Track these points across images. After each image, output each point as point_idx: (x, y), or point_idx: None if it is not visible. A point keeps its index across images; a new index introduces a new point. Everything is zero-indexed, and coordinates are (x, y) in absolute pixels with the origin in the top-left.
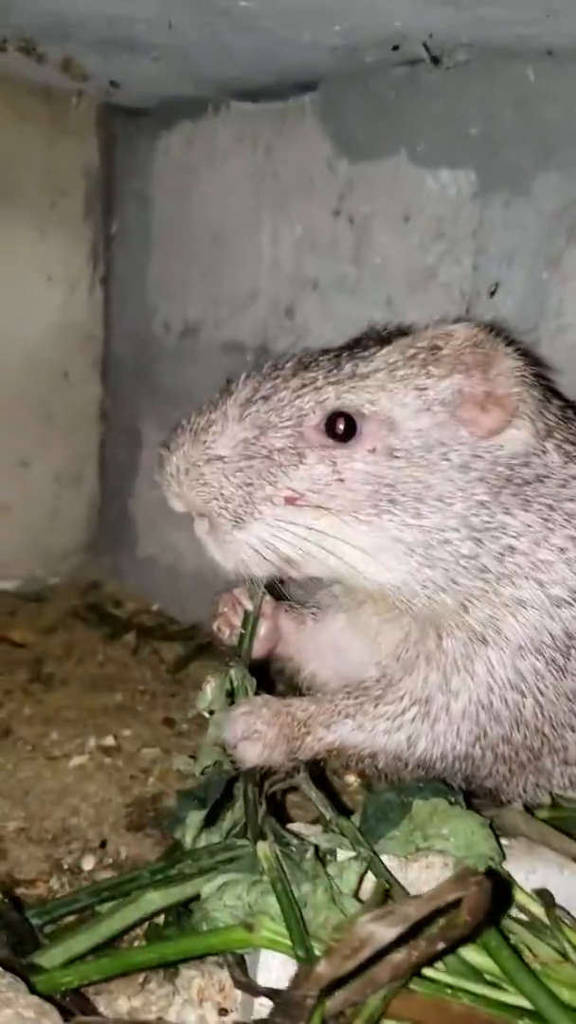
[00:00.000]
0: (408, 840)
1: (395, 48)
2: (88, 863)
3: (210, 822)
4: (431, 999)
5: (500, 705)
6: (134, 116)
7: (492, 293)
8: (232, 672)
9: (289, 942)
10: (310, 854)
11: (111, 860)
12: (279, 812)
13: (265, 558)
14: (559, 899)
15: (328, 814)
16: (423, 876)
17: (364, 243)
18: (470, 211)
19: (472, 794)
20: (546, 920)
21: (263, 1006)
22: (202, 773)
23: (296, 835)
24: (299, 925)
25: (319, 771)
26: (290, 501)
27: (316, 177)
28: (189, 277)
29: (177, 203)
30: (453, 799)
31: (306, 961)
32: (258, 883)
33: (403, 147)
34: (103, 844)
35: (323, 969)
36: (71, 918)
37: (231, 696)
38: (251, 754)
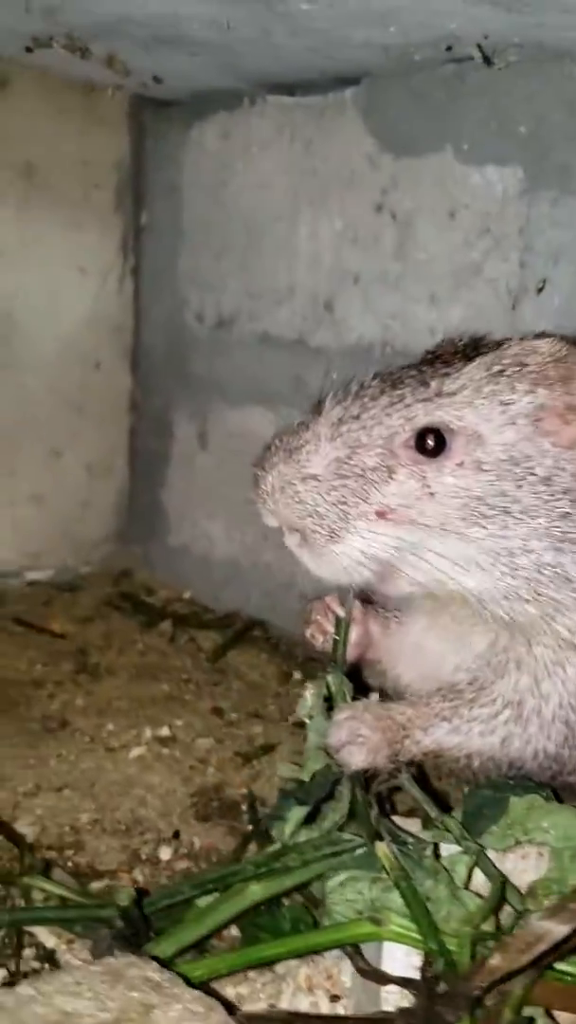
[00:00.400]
0: (506, 834)
1: (448, 48)
2: (165, 853)
3: (309, 821)
4: (565, 986)
5: None
6: (164, 107)
7: (539, 290)
8: (329, 678)
9: (415, 935)
10: (429, 851)
11: (186, 850)
12: (380, 807)
13: (363, 566)
14: None
15: (433, 812)
16: (519, 866)
17: (407, 238)
18: (517, 208)
19: (558, 790)
20: None
21: (391, 993)
22: (311, 780)
23: (411, 833)
24: (428, 919)
25: (419, 771)
26: (382, 516)
27: (357, 172)
28: (223, 269)
29: (211, 195)
30: (546, 795)
31: (439, 953)
32: (378, 880)
33: (449, 144)
34: (176, 834)
35: (498, 962)
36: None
37: (328, 702)
38: (357, 758)
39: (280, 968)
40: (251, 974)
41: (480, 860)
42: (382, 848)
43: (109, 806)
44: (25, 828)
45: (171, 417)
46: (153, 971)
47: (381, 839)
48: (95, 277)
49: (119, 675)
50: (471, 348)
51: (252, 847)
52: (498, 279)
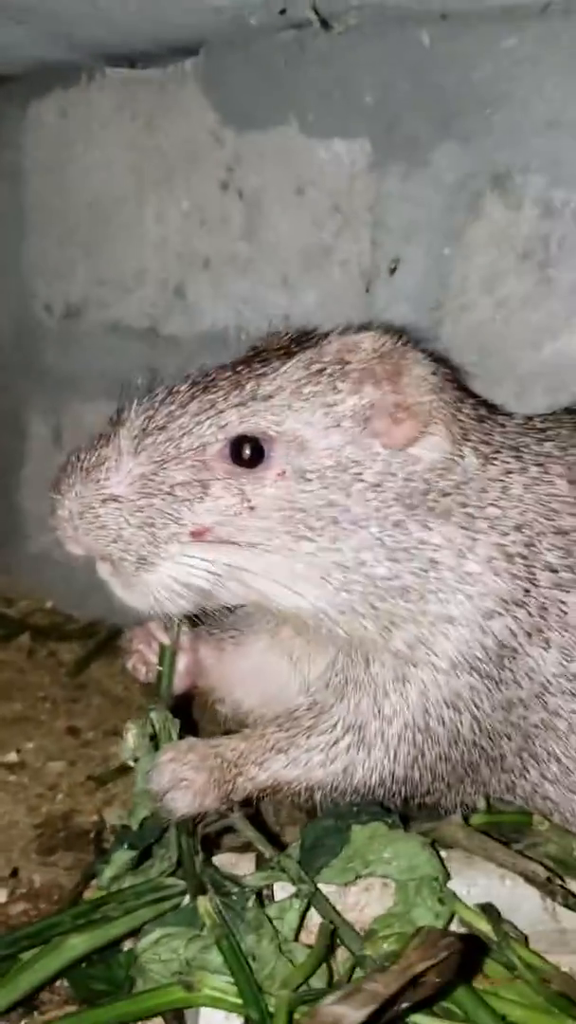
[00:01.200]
0: (347, 868)
1: (283, 12)
2: (0, 896)
3: (141, 862)
4: None
5: (436, 725)
6: (2, 83)
7: (392, 270)
8: (152, 715)
9: (232, 999)
10: (252, 903)
11: (24, 890)
12: (208, 843)
13: (179, 595)
14: (501, 911)
15: (267, 852)
16: (362, 899)
17: (256, 219)
18: (366, 184)
19: (408, 811)
20: (493, 935)
21: None
22: (140, 826)
23: (233, 880)
24: (251, 985)
25: (256, 805)
26: (197, 536)
27: (201, 148)
28: (70, 256)
29: (53, 177)
30: (391, 821)
31: (258, 1021)
32: (196, 938)
33: (293, 116)
34: (14, 873)
35: None
36: None
37: (155, 740)
38: (181, 804)
39: None
40: None
41: (315, 901)
42: (203, 904)
43: None
44: None
45: (24, 415)
46: None
47: (205, 892)
48: None
49: None
50: (296, 343)
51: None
52: (350, 260)
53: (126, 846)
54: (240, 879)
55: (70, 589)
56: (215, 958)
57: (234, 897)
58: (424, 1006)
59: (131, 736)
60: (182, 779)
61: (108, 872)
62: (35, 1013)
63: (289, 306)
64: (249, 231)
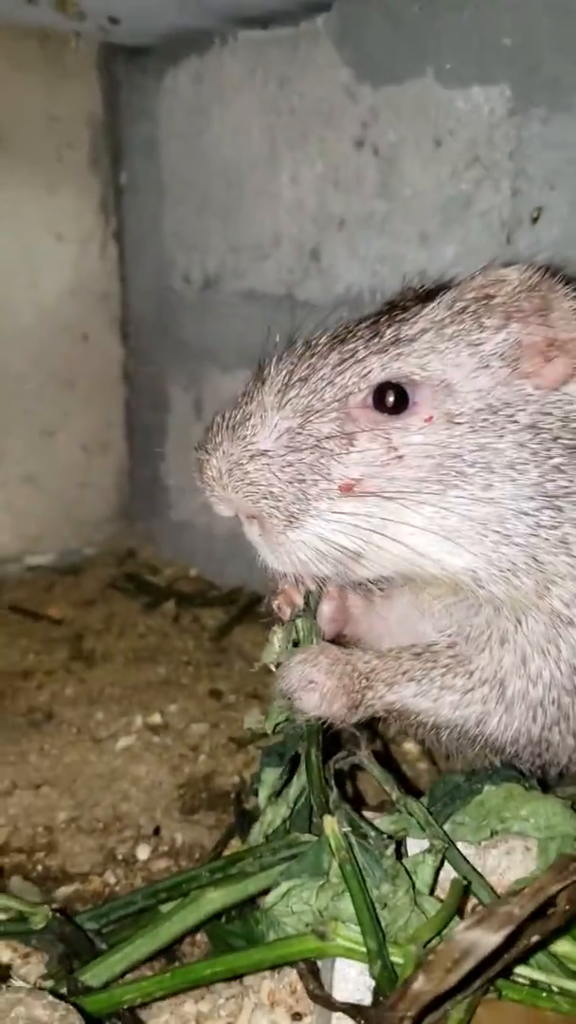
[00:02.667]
0: (481, 825)
1: None
2: (143, 852)
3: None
4: (524, 1010)
5: None
6: (137, 55)
7: (535, 219)
8: (299, 622)
9: (362, 955)
10: (390, 851)
11: (166, 848)
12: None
13: (326, 556)
14: None
15: (394, 794)
16: (503, 862)
17: (392, 175)
18: (506, 131)
19: (547, 778)
20: None
21: (341, 1019)
22: (275, 731)
23: (372, 825)
24: (377, 933)
25: (384, 751)
26: (346, 490)
27: (335, 107)
28: (206, 225)
29: (189, 146)
30: (528, 784)
31: (385, 976)
32: (326, 886)
33: (429, 66)
34: (157, 831)
35: (422, 986)
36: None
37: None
38: (309, 704)
39: (248, 979)
40: (218, 986)
41: (449, 856)
42: (330, 824)
43: (88, 802)
44: None
45: (166, 387)
46: (43, 1008)
47: (332, 812)
48: (74, 243)
49: (115, 661)
50: (436, 290)
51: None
52: (490, 211)
53: (273, 762)
54: (375, 824)
55: (212, 557)
56: (347, 906)
57: (371, 841)
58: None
59: (277, 640)
60: (311, 681)
61: (263, 792)
62: (176, 964)
63: (427, 262)
64: (385, 188)
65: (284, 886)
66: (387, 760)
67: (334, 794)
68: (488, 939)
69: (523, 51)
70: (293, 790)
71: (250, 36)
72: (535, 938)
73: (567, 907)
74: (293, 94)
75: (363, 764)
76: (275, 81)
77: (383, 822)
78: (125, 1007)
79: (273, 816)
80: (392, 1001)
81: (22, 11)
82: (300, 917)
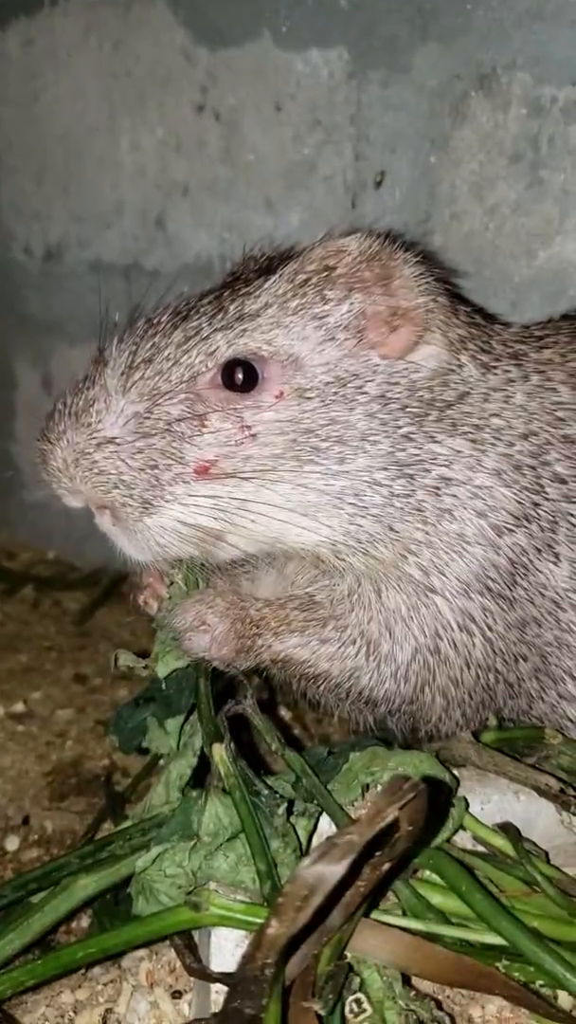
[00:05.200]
0: (351, 786)
1: None
2: (12, 843)
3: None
4: (414, 941)
5: (448, 649)
6: None
7: (378, 183)
8: (181, 575)
9: (241, 916)
10: (281, 809)
11: (36, 837)
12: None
13: (187, 538)
14: (516, 826)
15: (275, 744)
16: None
17: (234, 140)
18: (346, 94)
19: (415, 742)
20: (510, 852)
21: (220, 993)
22: (167, 677)
23: (264, 783)
24: (266, 855)
25: (270, 701)
26: (201, 472)
27: (173, 70)
28: (46, 194)
29: (23, 111)
30: (392, 744)
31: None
32: (198, 846)
33: (266, 28)
34: (26, 820)
35: (274, 929)
36: None
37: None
38: (198, 645)
39: (125, 962)
40: (94, 972)
41: (325, 806)
42: (218, 752)
43: None
44: None
45: (12, 364)
46: None
47: (221, 740)
48: None
49: None
50: (279, 260)
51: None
52: (334, 175)
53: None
54: (268, 783)
55: (71, 538)
56: (221, 864)
57: (263, 799)
58: (406, 862)
59: (179, 578)
60: (204, 622)
61: (171, 741)
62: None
63: (273, 228)
64: (227, 154)
65: (155, 851)
66: (272, 709)
67: (227, 739)
68: (332, 870)
69: (359, 11)
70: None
71: None
72: (386, 865)
73: (409, 827)
74: (129, 57)
75: (247, 712)
76: (110, 43)
77: (275, 782)
78: None
79: (182, 771)
80: (249, 952)
81: None
82: (174, 881)
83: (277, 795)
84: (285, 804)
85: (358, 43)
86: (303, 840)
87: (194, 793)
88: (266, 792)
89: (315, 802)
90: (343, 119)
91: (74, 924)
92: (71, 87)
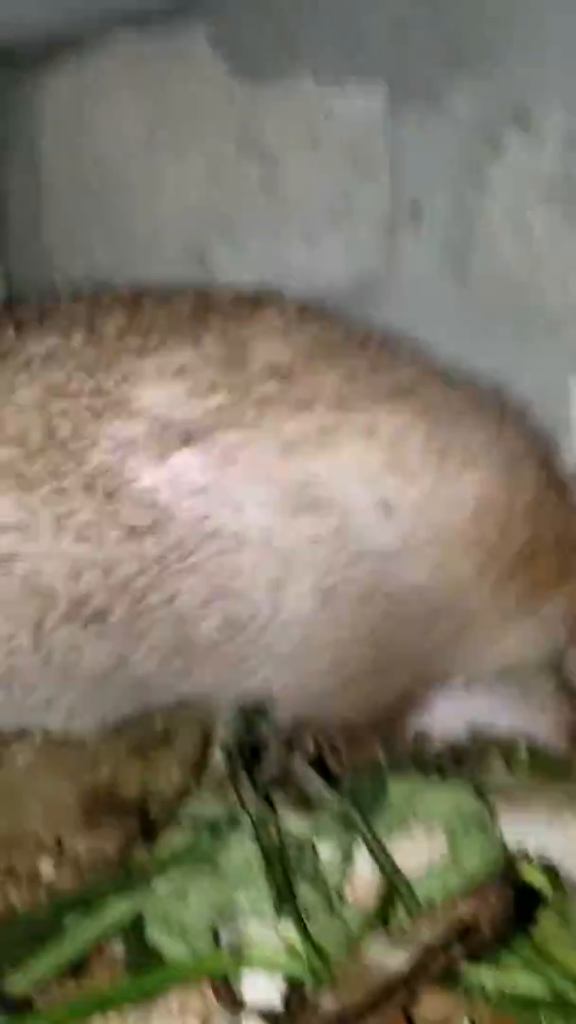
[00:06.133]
0: (396, 825)
1: None
2: (46, 866)
3: None
4: None
5: None
6: (8, 56)
7: (415, 220)
8: None
9: (283, 960)
10: (310, 852)
11: (69, 860)
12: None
13: None
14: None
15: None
16: (404, 845)
17: (273, 175)
18: (383, 131)
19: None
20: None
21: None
22: None
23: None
24: (288, 883)
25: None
26: None
27: (215, 107)
28: (90, 229)
29: (69, 148)
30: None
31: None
32: (223, 880)
33: (305, 66)
34: (59, 843)
35: (328, 1003)
36: None
37: None
38: None
39: None
40: None
41: (370, 847)
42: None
43: None
44: None
45: None
46: None
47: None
48: None
49: None
50: None
51: None
52: (371, 211)
53: None
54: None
55: None
56: (243, 897)
57: (292, 835)
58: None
59: None
60: None
61: None
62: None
63: (312, 262)
64: (267, 189)
65: (178, 878)
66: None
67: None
68: (394, 959)
69: (396, 50)
70: None
71: (126, 36)
72: (460, 957)
73: (488, 934)
74: (171, 95)
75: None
76: (155, 81)
77: (299, 822)
78: None
79: None
80: (296, 1017)
81: None
82: (199, 914)
83: (309, 829)
84: (311, 846)
85: (395, 81)
86: (339, 882)
87: (222, 825)
88: (296, 827)
89: (354, 840)
90: (380, 155)
91: (105, 948)
92: (114, 125)
